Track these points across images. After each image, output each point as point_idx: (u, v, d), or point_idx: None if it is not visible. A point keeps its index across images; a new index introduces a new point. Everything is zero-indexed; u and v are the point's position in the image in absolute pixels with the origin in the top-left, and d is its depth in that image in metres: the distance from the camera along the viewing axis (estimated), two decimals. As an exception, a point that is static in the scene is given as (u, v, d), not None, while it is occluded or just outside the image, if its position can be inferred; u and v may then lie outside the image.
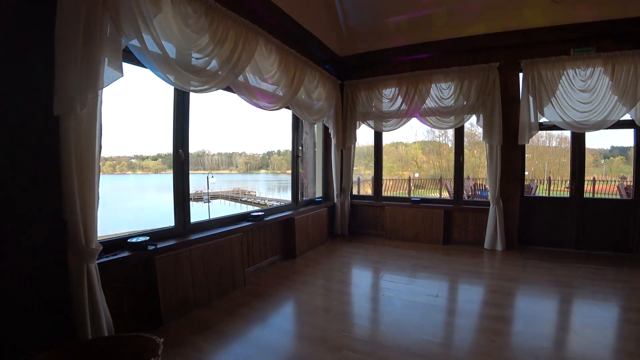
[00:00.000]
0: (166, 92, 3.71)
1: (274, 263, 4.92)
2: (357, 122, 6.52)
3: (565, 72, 5.20)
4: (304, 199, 6.41)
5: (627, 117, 5.12)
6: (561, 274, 4.40)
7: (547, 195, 13.45)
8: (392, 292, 3.88)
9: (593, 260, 4.97)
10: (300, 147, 6.99)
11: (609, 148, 18.24)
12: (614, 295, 3.71)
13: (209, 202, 21.33)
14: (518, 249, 5.46)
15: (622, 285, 4.02)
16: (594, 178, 13.96)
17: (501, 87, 5.48)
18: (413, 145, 23.20)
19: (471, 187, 11.09)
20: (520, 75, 5.46)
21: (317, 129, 6.94)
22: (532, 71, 5.29)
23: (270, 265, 4.84)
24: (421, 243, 5.90)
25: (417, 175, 20.11)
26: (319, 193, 6.87)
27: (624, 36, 5.12)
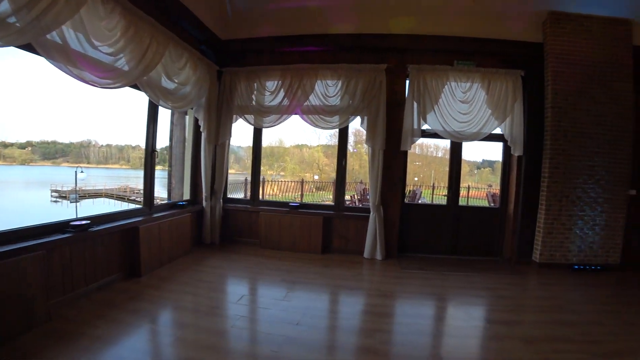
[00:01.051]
0: None
1: (108, 285, 3.78)
2: (234, 116, 5.69)
3: (448, 82, 5.16)
4: (168, 201, 5.35)
5: (498, 131, 5.29)
6: (436, 284, 4.27)
7: (431, 201, 14.53)
8: (245, 322, 3.15)
9: (465, 267, 5.03)
10: (170, 142, 5.93)
11: (481, 161, 21.05)
12: (482, 306, 3.66)
13: (76, 201, 18.09)
14: (397, 258, 5.26)
15: (489, 293, 4.07)
16: (468, 185, 15.91)
17: (388, 90, 5.22)
18: (316, 148, 23.29)
19: (361, 192, 11.04)
20: (407, 80, 5.27)
21: (190, 121, 5.92)
22: (419, 77, 5.13)
23: (102, 288, 3.70)
24: (298, 252, 5.32)
25: (316, 177, 20.09)
26: (187, 195, 5.85)
27: (500, 55, 5.29)
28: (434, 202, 13.06)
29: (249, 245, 5.66)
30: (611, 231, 5.36)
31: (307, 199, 14.51)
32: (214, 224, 5.67)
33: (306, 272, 4.52)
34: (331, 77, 5.27)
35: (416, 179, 17.29)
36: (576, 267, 5.21)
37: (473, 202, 15.26)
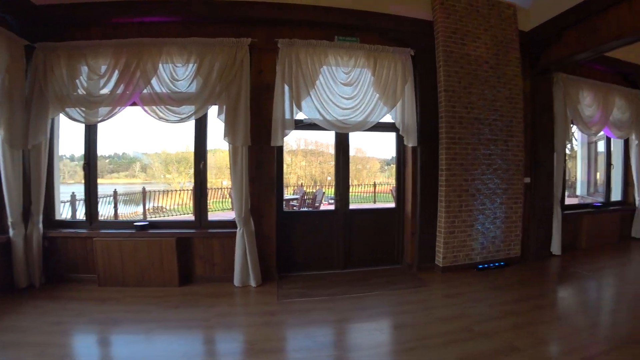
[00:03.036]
0: None
1: None
2: (51, 109, 4.14)
3: (327, 60, 4.26)
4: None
5: (390, 119, 4.55)
6: (319, 318, 3.31)
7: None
8: None
9: (360, 283, 4.21)
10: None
11: (390, 157, 21.29)
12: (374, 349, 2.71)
13: None
14: (278, 281, 4.20)
15: (385, 323, 3.29)
16: (374, 183, 16.33)
17: (254, 71, 4.17)
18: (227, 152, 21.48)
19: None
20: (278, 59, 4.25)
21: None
22: (290, 54, 4.14)
23: None
24: (148, 288, 3.97)
25: (225, 183, 18.48)
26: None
27: (387, 32, 4.57)
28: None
29: (84, 284, 4.16)
30: (511, 223, 4.99)
31: (217, 207, 12.99)
32: (31, 258, 4.06)
33: (147, 322, 3.23)
34: (180, 55, 4.04)
35: (329, 178, 16.76)
36: (480, 266, 4.71)
37: (381, 199, 15.35)
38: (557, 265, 5.05)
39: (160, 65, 4.01)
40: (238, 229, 3.98)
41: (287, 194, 11.92)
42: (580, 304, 3.78)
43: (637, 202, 6.74)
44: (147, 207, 9.72)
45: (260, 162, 4.18)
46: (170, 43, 4.02)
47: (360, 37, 4.49)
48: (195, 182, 4.29)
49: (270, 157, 4.22)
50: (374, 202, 15.21)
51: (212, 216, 4.75)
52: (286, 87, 4.09)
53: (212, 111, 4.18)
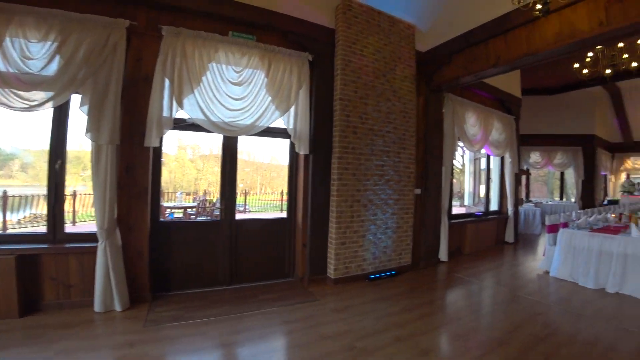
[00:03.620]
0: None
1: None
2: None
3: (217, 55, 3.90)
4: None
5: (282, 124, 4.36)
6: (194, 346, 2.90)
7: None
8: None
9: (245, 301, 3.88)
10: None
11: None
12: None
13: None
14: (151, 303, 3.67)
15: (263, 348, 2.89)
16: (282, 190, 14.52)
17: (131, 59, 3.63)
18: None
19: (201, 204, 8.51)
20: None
21: None
22: (176, 44, 3.69)
23: None
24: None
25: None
26: None
27: (287, 34, 4.38)
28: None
29: None
30: (403, 233, 5.14)
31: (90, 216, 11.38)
32: None
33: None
34: (36, 29, 3.30)
35: (241, 185, 16.09)
36: (372, 276, 4.74)
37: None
38: (444, 272, 5.34)
39: (7, 38, 3.24)
40: (100, 242, 3.36)
41: (186, 201, 11.09)
42: (460, 309, 3.96)
43: (509, 212, 7.61)
44: (24, 216, 8.12)
45: (132, 165, 3.61)
46: (25, 12, 3.27)
47: (258, 36, 4.23)
48: (49, 186, 3.52)
49: (144, 159, 3.67)
50: (281, 210, 14.67)
51: (82, 227, 4.01)
52: (167, 81, 3.63)
53: (77, 101, 3.51)
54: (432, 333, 3.26)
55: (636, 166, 13.93)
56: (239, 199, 13.75)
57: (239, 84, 3.97)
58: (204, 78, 3.77)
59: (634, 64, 5.78)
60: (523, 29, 4.25)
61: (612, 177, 14.20)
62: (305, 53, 4.39)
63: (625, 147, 13.79)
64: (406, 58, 5.19)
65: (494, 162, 7.84)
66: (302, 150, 4.33)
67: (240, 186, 15.84)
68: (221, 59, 3.90)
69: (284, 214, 4.76)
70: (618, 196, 12.70)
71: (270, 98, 4.12)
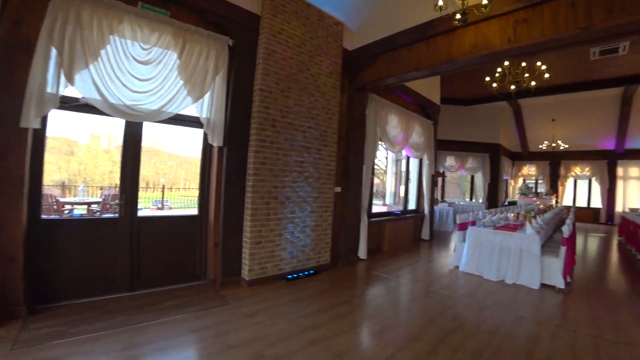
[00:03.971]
0: None
1: None
2: None
3: (122, 28, 3.39)
4: None
5: (194, 111, 3.98)
6: None
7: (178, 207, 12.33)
8: None
9: (151, 308, 3.45)
10: None
11: None
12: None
13: None
14: (24, 319, 3.03)
15: None
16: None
17: (7, 20, 2.97)
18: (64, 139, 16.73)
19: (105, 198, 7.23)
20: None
21: None
22: (69, 9, 3.10)
23: None
24: None
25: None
26: None
27: (207, 14, 4.00)
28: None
29: None
30: (322, 231, 5.06)
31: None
32: None
33: None
34: None
35: (162, 180, 14.79)
36: (290, 276, 4.58)
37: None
38: (363, 269, 5.38)
39: None
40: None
41: (92, 196, 9.83)
42: (377, 307, 3.96)
43: (426, 211, 8.02)
44: None
45: (2, 152, 2.97)
46: None
47: (173, 12, 3.79)
48: None
49: (20, 144, 3.03)
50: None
51: None
52: (54, 51, 3.05)
53: None
54: (348, 333, 3.19)
55: (530, 172, 15.96)
56: (156, 195, 12.60)
57: (145, 63, 3.50)
58: (102, 52, 3.25)
59: (533, 83, 6.48)
60: (444, 37, 4.45)
61: (512, 182, 16.10)
62: (225, 37, 4.06)
63: (523, 156, 15.87)
64: (332, 54, 5.12)
65: (413, 164, 8.21)
66: (216, 141, 3.99)
67: (161, 181, 14.64)
68: (126, 32, 3.40)
69: (194, 211, 4.34)
70: (516, 198, 14.34)
71: (182, 82, 3.71)
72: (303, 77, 4.70)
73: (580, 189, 15.39)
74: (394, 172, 8.90)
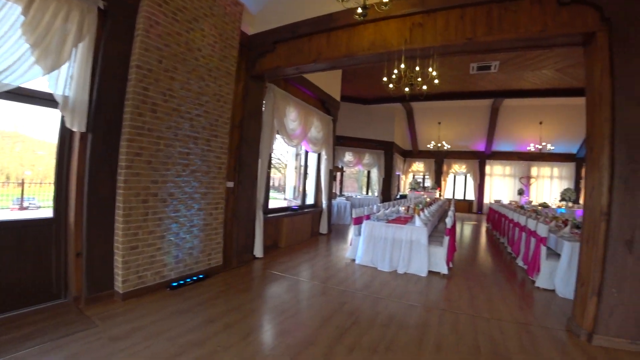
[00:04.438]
0: None
1: None
2: None
3: None
4: None
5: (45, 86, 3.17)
6: None
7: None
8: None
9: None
10: None
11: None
12: None
13: None
14: None
15: None
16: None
17: None
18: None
19: None
20: None
21: None
22: None
23: None
24: None
25: None
26: None
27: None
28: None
29: None
30: (212, 230, 4.61)
31: None
32: None
33: None
34: None
35: (29, 172, 12.24)
36: (175, 284, 4.03)
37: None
38: (259, 269, 5.09)
39: None
40: None
41: None
42: (270, 310, 3.69)
43: (323, 205, 8.09)
44: None
45: None
46: None
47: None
48: None
49: None
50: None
51: None
52: None
53: None
54: (238, 346, 2.84)
55: (419, 169, 17.77)
56: (16, 192, 10.31)
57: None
58: None
59: (425, 87, 6.97)
60: (345, 31, 4.41)
61: (404, 177, 17.62)
62: (97, -2, 3.29)
63: (413, 154, 17.63)
64: (229, 37, 4.66)
65: (312, 158, 8.18)
66: (76, 126, 3.22)
67: (27, 174, 11.98)
68: None
69: (48, 214, 3.45)
70: (407, 192, 15.70)
71: (27, 45, 2.87)
72: (192, 57, 4.15)
73: (458, 184, 17.78)
74: (295, 166, 8.75)
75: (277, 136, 6.04)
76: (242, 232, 5.20)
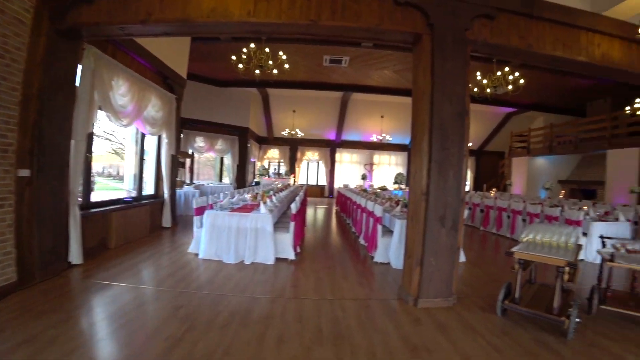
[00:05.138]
0: None
1: None
2: None
3: None
4: None
5: None
6: None
7: None
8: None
9: None
10: None
11: None
12: None
13: None
14: None
15: None
16: None
17: None
18: None
19: None
20: None
21: None
22: None
23: None
24: None
25: None
26: None
27: None
28: None
29: None
30: (-4, 236, 3.36)
31: None
32: None
33: None
34: None
35: None
36: None
37: None
38: (76, 279, 4.04)
39: None
40: None
41: None
42: (80, 335, 2.78)
43: (165, 195, 7.14)
44: None
45: None
46: None
47: None
48: None
49: None
50: None
51: None
52: None
53: None
54: None
55: (274, 155, 18.10)
56: None
57: None
58: None
59: (275, 71, 6.79)
60: None
61: (259, 163, 17.52)
62: None
63: (268, 141, 17.72)
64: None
65: (151, 142, 7.09)
66: None
67: None
68: None
69: None
70: (260, 179, 15.69)
71: None
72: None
73: (311, 170, 18.75)
74: (135, 151, 7.46)
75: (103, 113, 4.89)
76: (48, 236, 3.99)
